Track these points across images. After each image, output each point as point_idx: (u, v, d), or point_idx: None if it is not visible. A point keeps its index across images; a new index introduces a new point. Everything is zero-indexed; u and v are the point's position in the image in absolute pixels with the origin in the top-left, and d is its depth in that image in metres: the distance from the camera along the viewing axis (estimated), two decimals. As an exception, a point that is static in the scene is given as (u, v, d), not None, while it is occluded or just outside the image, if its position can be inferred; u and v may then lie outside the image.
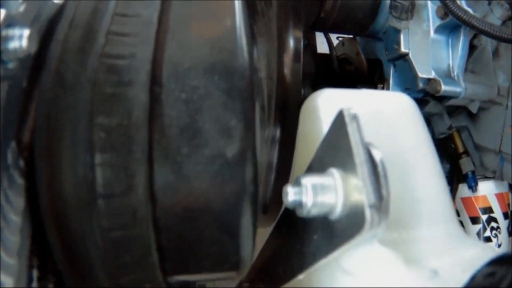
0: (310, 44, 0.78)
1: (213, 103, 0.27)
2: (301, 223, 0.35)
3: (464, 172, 0.81)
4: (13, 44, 0.24)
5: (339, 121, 0.27)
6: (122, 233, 0.27)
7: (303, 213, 0.27)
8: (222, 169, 0.27)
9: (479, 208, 0.81)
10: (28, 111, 0.30)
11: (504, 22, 0.73)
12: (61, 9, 0.33)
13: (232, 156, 0.27)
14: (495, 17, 0.73)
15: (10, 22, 0.25)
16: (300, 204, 0.27)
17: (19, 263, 0.27)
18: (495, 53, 0.77)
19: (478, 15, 0.72)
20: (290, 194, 0.27)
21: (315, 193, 0.26)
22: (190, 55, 0.28)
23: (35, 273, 0.30)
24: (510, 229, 0.83)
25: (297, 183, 0.27)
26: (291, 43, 0.58)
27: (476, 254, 0.33)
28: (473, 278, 0.26)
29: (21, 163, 0.28)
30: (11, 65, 0.24)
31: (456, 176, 0.84)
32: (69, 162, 0.26)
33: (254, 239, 0.31)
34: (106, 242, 0.27)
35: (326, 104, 0.39)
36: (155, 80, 0.27)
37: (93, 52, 0.28)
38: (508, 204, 0.83)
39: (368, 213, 0.23)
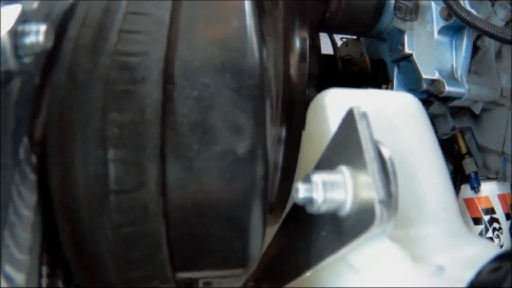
0: (315, 45, 0.79)
1: (224, 100, 0.28)
2: (309, 221, 0.35)
3: (467, 173, 0.82)
4: (29, 39, 0.24)
5: (349, 119, 0.28)
6: (133, 229, 0.27)
7: (313, 209, 0.27)
8: (232, 166, 0.27)
9: (482, 209, 0.81)
10: (40, 107, 0.30)
11: (507, 24, 0.73)
12: (72, 7, 0.33)
13: (243, 153, 0.27)
14: (498, 18, 0.73)
15: (25, 18, 0.25)
16: (310, 200, 0.27)
17: (31, 259, 0.27)
18: (498, 54, 0.77)
19: (482, 16, 0.72)
20: (301, 190, 0.27)
21: (325, 189, 0.27)
22: (202, 53, 0.29)
23: (44, 270, 0.30)
24: (512, 230, 0.83)
25: (308, 180, 0.27)
26: (297, 43, 0.58)
27: (479, 251, 0.34)
28: (478, 274, 0.26)
29: (33, 158, 0.29)
30: (26, 60, 0.25)
31: (459, 177, 0.84)
32: (82, 158, 0.26)
33: (263, 237, 0.32)
34: (117, 238, 0.27)
35: (334, 103, 0.40)
36: (167, 78, 0.27)
37: (105, 50, 0.28)
38: (511, 205, 0.83)
39: (378, 208, 0.24)
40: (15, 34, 0.24)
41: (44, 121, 0.30)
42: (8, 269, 0.26)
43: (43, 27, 0.24)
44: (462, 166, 0.82)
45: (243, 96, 0.28)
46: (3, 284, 0.26)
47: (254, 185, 0.28)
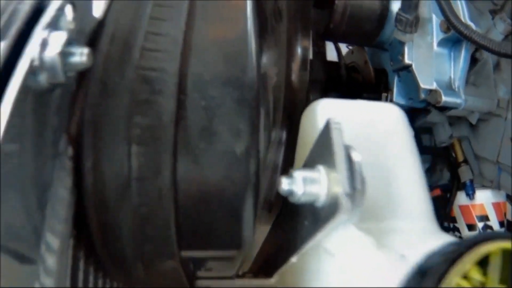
0: (320, 52, 0.87)
1: (227, 109, 0.36)
2: (295, 213, 0.43)
3: (462, 181, 0.89)
4: (74, 59, 0.33)
5: (327, 128, 0.36)
6: (148, 209, 0.36)
7: (294, 200, 0.35)
8: (231, 163, 0.36)
9: (476, 216, 0.88)
10: (74, 109, 0.39)
11: (506, 37, 0.80)
12: (100, 24, 0.42)
13: (240, 152, 0.35)
14: (498, 31, 0.79)
15: (70, 41, 0.34)
16: (291, 193, 0.35)
17: (66, 229, 0.36)
18: (497, 66, 0.83)
19: (482, 29, 0.79)
20: (284, 184, 0.35)
21: (304, 184, 0.35)
22: (210, 69, 0.37)
23: (71, 242, 0.39)
24: (505, 237, 0.90)
25: (290, 175, 0.35)
26: (299, 52, 0.66)
27: (444, 245, 0.41)
28: (428, 257, 0.34)
29: (70, 150, 0.37)
30: (70, 74, 0.33)
31: (455, 184, 0.91)
32: (110, 152, 0.35)
33: (254, 223, 0.40)
34: (136, 216, 0.36)
35: (323, 112, 0.48)
36: (181, 90, 0.36)
37: (130, 64, 0.37)
38: (505, 213, 0.90)
39: (343, 199, 0.32)
40: (63, 55, 0.33)
41: (78, 121, 0.38)
42: (49, 236, 0.35)
43: (86, 50, 0.33)
44: (458, 173, 0.89)
45: (243, 106, 0.37)
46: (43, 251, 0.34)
47: (248, 179, 0.37)
